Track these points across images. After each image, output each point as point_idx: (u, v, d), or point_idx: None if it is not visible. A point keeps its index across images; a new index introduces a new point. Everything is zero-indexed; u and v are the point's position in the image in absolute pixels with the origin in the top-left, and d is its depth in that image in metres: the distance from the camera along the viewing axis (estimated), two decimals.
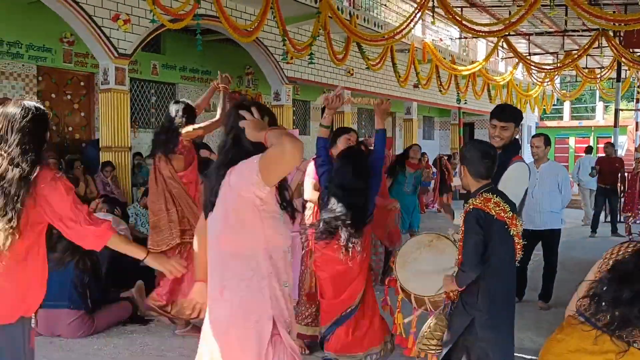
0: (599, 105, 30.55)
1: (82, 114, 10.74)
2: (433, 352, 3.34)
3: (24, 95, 9.57)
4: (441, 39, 17.81)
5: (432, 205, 15.60)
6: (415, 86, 15.89)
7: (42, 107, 2.51)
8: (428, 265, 3.31)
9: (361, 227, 3.65)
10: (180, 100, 4.88)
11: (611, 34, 12.93)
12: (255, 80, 13.89)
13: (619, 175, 11.33)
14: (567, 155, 27.56)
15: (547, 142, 5.74)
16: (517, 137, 3.78)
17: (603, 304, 1.89)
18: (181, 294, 4.53)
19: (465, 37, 17.23)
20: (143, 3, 8.37)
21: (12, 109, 2.34)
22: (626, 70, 17.61)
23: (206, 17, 9.11)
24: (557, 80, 23.20)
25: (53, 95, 10.23)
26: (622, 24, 9.96)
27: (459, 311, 3.11)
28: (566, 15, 12.60)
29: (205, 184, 2.34)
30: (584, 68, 18.49)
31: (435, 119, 23.13)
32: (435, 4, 10.36)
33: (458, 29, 13.04)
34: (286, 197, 2.27)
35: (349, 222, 3.59)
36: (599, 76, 19.00)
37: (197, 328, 4.69)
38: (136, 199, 9.04)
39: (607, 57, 16.56)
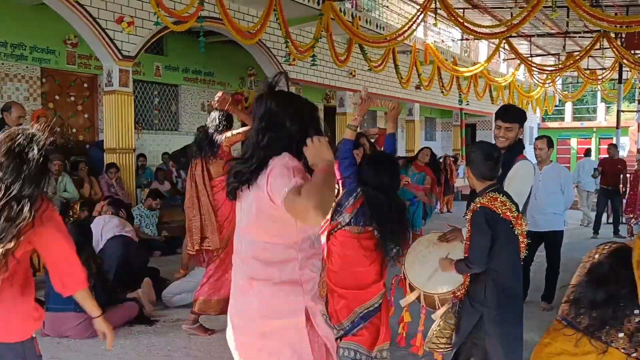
0: (601, 107, 30.57)
1: (86, 116, 10.78)
2: (442, 350, 3.38)
3: (28, 97, 9.62)
4: (443, 41, 17.84)
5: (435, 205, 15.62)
6: (417, 87, 15.92)
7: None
8: (437, 264, 3.35)
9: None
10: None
11: (613, 35, 12.96)
12: (257, 82, 13.93)
13: (622, 176, 11.35)
14: (568, 156, 27.57)
15: (550, 144, 5.78)
16: (520, 137, 3.85)
17: (581, 307, 1.94)
18: (218, 294, 4.64)
19: (467, 39, 17.26)
20: (147, 5, 8.41)
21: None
22: (628, 71, 17.62)
23: (209, 19, 9.15)
24: (559, 82, 23.22)
25: (57, 97, 10.27)
26: (624, 26, 9.98)
27: (467, 309, 3.16)
28: (568, 16, 12.63)
29: (236, 168, 2.22)
30: (585, 69, 18.51)
31: (437, 120, 23.17)
32: (438, 5, 10.40)
33: (460, 31, 13.06)
34: None
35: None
36: (600, 77, 19.02)
37: (203, 328, 4.75)
38: (140, 200, 9.09)
39: (608, 58, 16.59)
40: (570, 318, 1.96)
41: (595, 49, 13.87)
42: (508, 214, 3.03)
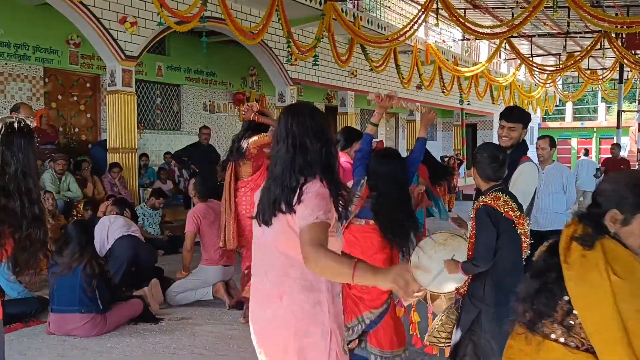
0: (602, 106, 30.60)
1: (88, 115, 10.82)
2: (442, 345, 3.42)
3: (31, 97, 9.66)
4: (444, 41, 17.87)
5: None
6: (419, 87, 15.95)
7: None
8: (442, 264, 3.39)
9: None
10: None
11: (613, 35, 12.99)
12: (259, 81, 13.97)
13: None
14: (569, 156, 27.60)
15: (553, 143, 5.80)
16: (524, 138, 3.92)
17: (524, 302, 2.02)
18: None
19: (468, 39, 17.29)
20: (150, 5, 8.45)
21: None
22: (628, 71, 17.66)
23: (212, 19, 9.19)
24: (560, 81, 23.25)
25: (59, 97, 10.30)
26: (625, 27, 10.01)
27: (467, 305, 3.20)
28: (568, 17, 12.66)
29: (266, 192, 2.22)
30: (586, 69, 18.55)
31: (438, 120, 23.19)
32: (439, 5, 10.43)
33: (461, 31, 13.10)
34: (347, 206, 2.24)
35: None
36: (601, 77, 19.05)
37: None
38: (143, 199, 9.13)
39: (609, 58, 16.62)
40: (520, 316, 2.04)
41: (596, 49, 13.90)
42: (510, 213, 3.07)
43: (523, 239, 3.16)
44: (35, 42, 9.57)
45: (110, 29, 8.32)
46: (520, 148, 3.78)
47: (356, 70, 14.02)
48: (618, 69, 16.07)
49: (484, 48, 21.36)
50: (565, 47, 16.80)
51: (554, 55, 19.17)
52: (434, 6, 10.47)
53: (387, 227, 3.71)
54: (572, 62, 14.94)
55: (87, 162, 8.97)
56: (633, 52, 13.92)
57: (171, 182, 10.56)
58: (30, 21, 9.38)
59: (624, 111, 17.79)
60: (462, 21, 10.82)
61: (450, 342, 3.37)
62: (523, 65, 17.10)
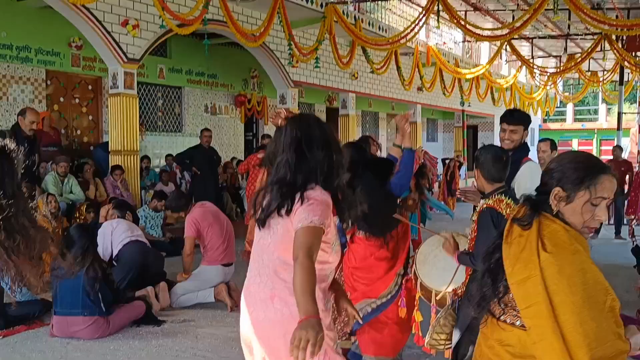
0: (602, 108, 30.62)
1: (90, 117, 10.85)
2: (442, 347, 3.43)
3: (33, 99, 9.69)
4: (445, 43, 17.90)
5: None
6: (420, 89, 15.98)
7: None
8: (447, 262, 3.41)
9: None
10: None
11: (614, 38, 13.01)
12: (260, 83, 14.00)
13: (627, 177, 11.39)
14: None
15: (554, 146, 5.83)
16: (525, 140, 3.97)
17: (475, 285, 2.09)
18: None
19: (469, 41, 17.32)
20: (152, 8, 8.48)
21: None
22: (629, 73, 17.68)
23: (213, 21, 9.21)
24: (560, 83, 23.27)
25: (61, 99, 10.34)
26: (625, 29, 10.04)
27: (464, 305, 3.22)
28: (569, 19, 12.69)
29: (265, 196, 2.27)
30: (586, 71, 18.57)
31: (439, 122, 23.22)
32: (440, 8, 10.46)
33: (462, 33, 13.12)
34: (346, 219, 2.33)
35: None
36: (601, 79, 19.07)
37: None
38: (145, 201, 9.16)
39: (609, 60, 16.65)
40: (474, 299, 2.09)
41: (597, 51, 13.93)
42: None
43: None
44: (37, 45, 9.60)
45: (112, 31, 8.35)
46: (521, 149, 3.85)
47: (357, 72, 14.05)
48: (618, 70, 16.08)
49: (484, 50, 21.38)
50: (565, 48, 16.83)
51: (554, 56, 19.20)
52: (435, 8, 10.50)
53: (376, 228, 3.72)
54: (573, 64, 14.97)
55: (89, 165, 9.00)
56: (633, 54, 13.93)
57: (173, 184, 10.59)
58: (32, 24, 9.41)
59: (625, 113, 17.81)
60: (463, 23, 10.84)
61: (449, 344, 3.39)
62: (524, 67, 17.13)
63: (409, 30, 11.43)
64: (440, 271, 3.52)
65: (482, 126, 23.52)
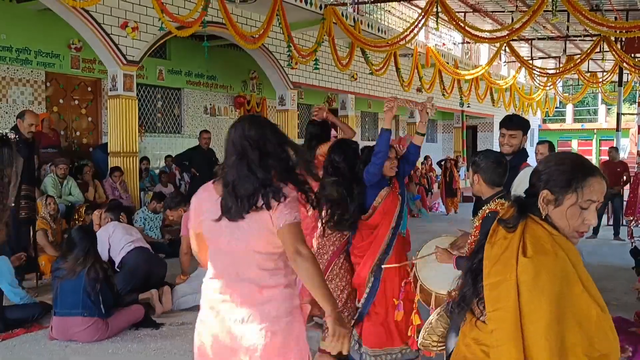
0: (602, 108, 30.63)
1: (89, 119, 10.87)
2: (435, 349, 3.45)
3: (33, 101, 9.71)
4: (444, 44, 17.91)
5: (437, 207, 15.70)
6: (419, 90, 15.99)
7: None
8: (446, 266, 3.43)
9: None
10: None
11: (612, 39, 13.03)
12: (259, 85, 14.02)
13: (624, 178, 11.41)
14: None
15: (552, 149, 5.85)
16: (524, 145, 4.03)
17: (460, 283, 2.07)
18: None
19: (469, 42, 17.34)
20: (151, 10, 8.49)
21: None
22: (628, 74, 17.70)
23: (213, 24, 9.23)
24: (560, 84, 23.29)
25: (61, 101, 10.36)
26: (624, 31, 10.05)
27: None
28: (568, 21, 12.70)
29: (237, 188, 2.30)
30: (586, 72, 18.58)
31: (439, 122, 23.23)
32: (439, 9, 10.48)
33: (461, 34, 13.14)
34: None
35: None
36: (601, 80, 19.09)
37: (318, 325, 4.86)
38: (144, 203, 9.17)
39: (608, 61, 16.66)
40: (454, 302, 2.08)
41: (596, 52, 13.95)
42: None
43: None
44: (37, 47, 9.63)
45: (111, 34, 8.37)
46: (520, 154, 3.92)
47: (356, 74, 14.07)
48: (617, 71, 16.10)
49: (484, 50, 21.40)
50: (565, 50, 16.85)
51: (554, 57, 19.21)
52: (434, 10, 10.52)
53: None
54: (572, 65, 14.98)
55: (89, 167, 9.01)
56: (632, 55, 13.94)
57: (172, 186, 10.60)
58: (32, 26, 9.44)
59: (624, 114, 17.83)
60: (462, 25, 10.86)
61: (442, 345, 3.40)
62: (523, 68, 17.15)
63: (408, 32, 11.45)
64: (440, 273, 3.54)
65: (482, 127, 23.53)
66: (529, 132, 4.20)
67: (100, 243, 5.72)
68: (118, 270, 5.76)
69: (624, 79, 16.88)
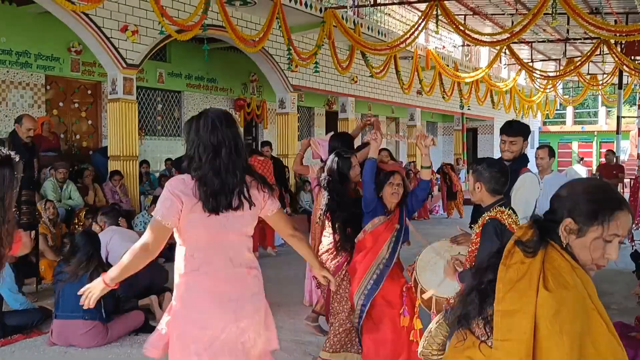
0: (602, 110, 30.62)
1: (89, 122, 10.87)
2: (435, 357, 3.44)
3: (33, 104, 9.70)
4: (444, 47, 17.91)
5: (437, 210, 15.70)
6: (419, 93, 15.99)
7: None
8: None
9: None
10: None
11: (612, 42, 13.02)
12: (259, 88, 14.02)
13: (620, 182, 11.45)
14: (570, 159, 27.64)
15: (552, 153, 5.84)
16: (525, 150, 4.10)
17: (460, 298, 1.96)
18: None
19: (468, 45, 17.34)
20: (151, 14, 8.49)
21: None
22: (628, 76, 17.70)
23: (213, 27, 9.22)
24: (560, 86, 23.28)
25: (60, 104, 10.36)
26: (623, 35, 10.05)
27: None
28: (568, 24, 12.70)
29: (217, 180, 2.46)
30: (586, 74, 18.58)
31: (439, 125, 23.24)
32: (439, 12, 10.47)
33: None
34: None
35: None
36: (601, 82, 19.09)
37: (320, 329, 5.00)
38: (144, 207, 9.16)
39: (608, 63, 16.65)
40: (452, 312, 2.00)
41: (596, 55, 13.94)
42: (513, 226, 3.17)
43: None
44: (37, 50, 9.62)
45: (111, 37, 8.36)
46: (521, 160, 3.98)
47: (356, 77, 14.07)
48: (617, 74, 16.09)
49: (484, 53, 21.40)
50: (565, 52, 16.85)
51: (554, 60, 19.21)
52: (434, 13, 10.51)
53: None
54: (572, 68, 14.98)
55: (89, 170, 9.00)
56: (632, 58, 13.94)
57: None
58: (32, 29, 9.44)
59: (624, 117, 17.82)
60: (462, 29, 10.85)
61: (442, 354, 3.39)
62: (523, 70, 17.14)
63: (408, 35, 11.44)
64: (440, 277, 3.54)
65: (482, 129, 23.54)
66: (530, 136, 4.24)
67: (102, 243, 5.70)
68: None
69: (624, 81, 16.87)
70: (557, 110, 27.26)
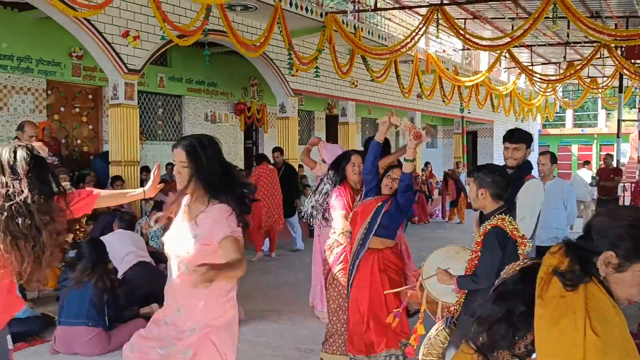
0: (602, 113, 30.62)
1: (90, 127, 10.87)
2: None
3: (34, 109, 9.70)
4: (444, 50, 17.93)
5: (437, 214, 15.71)
6: (419, 96, 15.99)
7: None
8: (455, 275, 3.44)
9: None
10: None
11: (613, 46, 13.03)
12: (260, 92, 14.01)
13: (618, 186, 11.52)
14: (570, 162, 27.63)
15: (554, 159, 5.85)
16: (528, 157, 4.12)
17: (481, 324, 1.81)
18: None
19: (468, 49, 17.35)
20: (152, 19, 8.50)
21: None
22: (628, 80, 17.70)
23: (214, 32, 9.23)
24: (560, 89, 23.30)
25: (62, 109, 10.36)
26: (624, 39, 10.06)
27: (462, 322, 3.24)
28: (568, 28, 12.71)
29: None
30: (586, 78, 18.58)
31: (439, 128, 23.23)
32: (439, 17, 10.47)
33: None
34: None
35: None
36: (601, 85, 19.09)
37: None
38: (145, 212, 9.15)
39: (608, 66, 16.66)
40: (472, 335, 1.85)
41: (596, 58, 13.95)
42: (515, 233, 3.21)
43: (521, 259, 3.22)
44: (38, 55, 9.62)
45: (113, 42, 8.37)
46: (524, 167, 4.03)
47: (357, 81, 14.08)
48: (618, 77, 16.09)
49: (484, 56, 21.41)
50: (565, 56, 16.86)
51: (554, 63, 19.22)
52: (435, 17, 10.51)
53: None
54: (572, 71, 14.98)
55: (91, 176, 8.98)
56: (632, 61, 13.95)
57: (173, 195, 10.57)
58: (33, 34, 9.44)
59: (624, 120, 17.83)
60: (463, 33, 10.86)
61: None
62: (523, 74, 17.15)
63: (408, 39, 11.45)
64: (445, 284, 3.54)
65: (482, 132, 23.54)
66: None
67: (109, 245, 5.71)
68: (121, 279, 5.75)
69: (624, 84, 16.87)
70: (556, 113, 27.25)
